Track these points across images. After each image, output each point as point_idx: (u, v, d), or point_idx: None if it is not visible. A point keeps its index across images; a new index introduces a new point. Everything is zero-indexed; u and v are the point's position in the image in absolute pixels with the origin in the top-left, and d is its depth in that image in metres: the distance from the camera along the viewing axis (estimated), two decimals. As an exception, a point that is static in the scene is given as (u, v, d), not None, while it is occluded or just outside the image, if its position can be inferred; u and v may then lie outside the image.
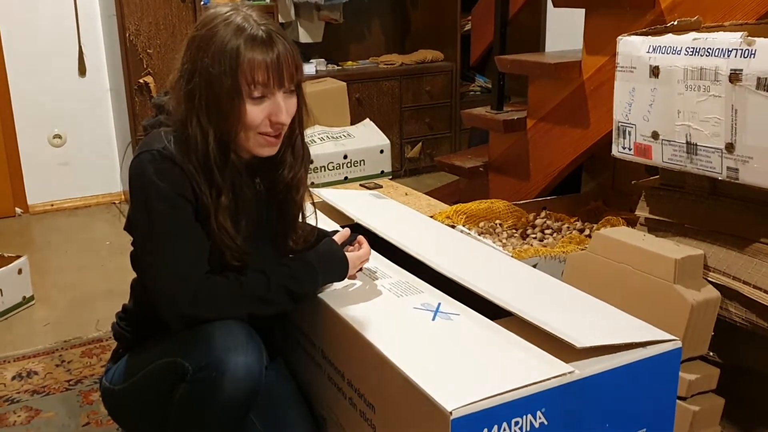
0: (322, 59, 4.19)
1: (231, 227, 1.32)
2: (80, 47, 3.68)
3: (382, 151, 3.67)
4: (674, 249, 1.57)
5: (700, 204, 1.67)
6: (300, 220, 1.49)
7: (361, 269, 1.49)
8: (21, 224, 3.61)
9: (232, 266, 1.33)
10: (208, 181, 1.30)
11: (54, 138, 3.73)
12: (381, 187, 2.85)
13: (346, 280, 1.45)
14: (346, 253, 1.44)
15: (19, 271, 2.52)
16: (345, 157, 3.54)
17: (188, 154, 1.29)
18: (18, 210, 3.69)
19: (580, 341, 1.14)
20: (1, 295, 2.44)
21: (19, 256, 2.56)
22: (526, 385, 1.06)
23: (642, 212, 1.80)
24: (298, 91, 1.36)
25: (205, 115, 1.29)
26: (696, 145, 1.55)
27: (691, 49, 1.52)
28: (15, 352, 2.21)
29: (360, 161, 3.59)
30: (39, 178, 3.72)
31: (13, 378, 2.05)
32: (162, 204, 1.27)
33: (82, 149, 3.76)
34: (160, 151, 1.29)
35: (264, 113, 1.30)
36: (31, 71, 3.60)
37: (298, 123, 1.40)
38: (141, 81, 3.44)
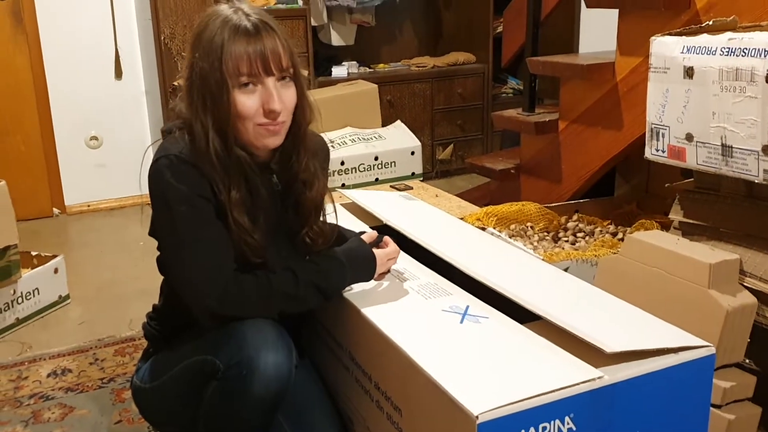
0: (354, 62, 4.20)
1: (248, 222, 1.32)
2: (117, 50, 3.74)
3: (413, 153, 3.67)
4: (709, 253, 1.54)
5: (736, 207, 1.64)
6: (321, 218, 1.48)
7: (389, 270, 1.49)
8: (58, 224, 3.68)
9: (254, 264, 1.34)
10: (221, 178, 1.30)
11: (91, 140, 3.80)
12: (411, 188, 2.85)
13: (374, 281, 1.45)
14: (374, 251, 1.44)
15: (56, 271, 2.57)
16: (376, 158, 3.54)
17: (198, 153, 1.30)
18: (55, 210, 3.76)
19: (610, 346, 1.12)
20: (38, 293, 2.49)
21: (55, 256, 2.61)
22: (554, 390, 1.04)
23: (676, 216, 1.77)
24: (296, 82, 1.36)
25: (203, 110, 1.31)
26: (731, 147, 1.52)
27: (727, 50, 1.49)
28: (50, 350, 2.25)
29: (391, 163, 3.59)
30: (76, 179, 3.79)
31: (48, 375, 2.09)
32: (183, 206, 1.28)
33: (118, 151, 3.82)
34: (177, 155, 1.30)
35: (257, 103, 1.31)
36: (69, 74, 3.67)
37: (302, 114, 1.39)
38: (175, 83, 3.49)
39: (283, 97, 1.33)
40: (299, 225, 1.45)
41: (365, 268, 1.42)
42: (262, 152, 1.38)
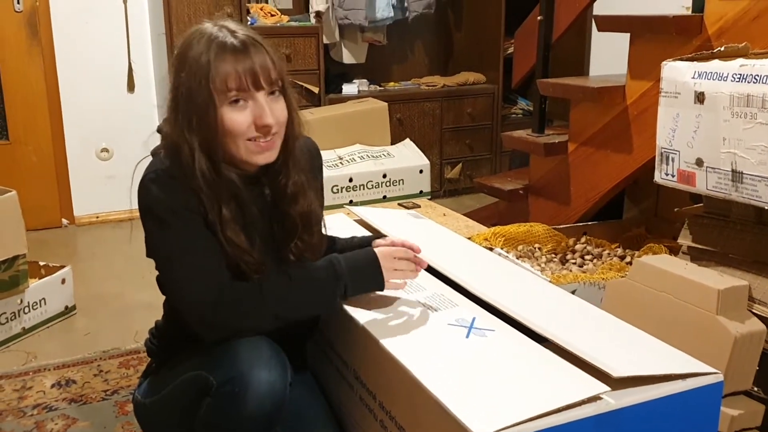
0: (365, 80, 4.22)
1: (244, 241, 1.32)
2: (130, 64, 3.77)
3: (421, 171, 3.68)
4: (718, 279, 1.53)
5: (746, 233, 1.63)
6: (314, 229, 1.46)
7: (410, 279, 1.46)
8: (67, 235, 3.69)
9: (251, 279, 1.33)
10: (208, 196, 1.30)
11: (102, 152, 3.82)
12: (419, 206, 2.85)
13: (388, 291, 1.43)
14: (376, 249, 1.42)
15: (63, 281, 2.58)
16: (384, 176, 3.55)
17: (185, 172, 1.30)
18: (64, 221, 3.78)
19: (617, 370, 1.12)
20: (45, 303, 2.50)
21: (63, 266, 2.61)
22: (560, 408, 1.04)
23: (685, 240, 1.77)
24: (286, 96, 1.35)
25: (188, 128, 1.29)
26: (741, 173, 1.52)
27: (738, 76, 1.49)
28: (55, 360, 2.25)
29: (399, 180, 3.60)
30: (86, 190, 3.80)
31: (53, 386, 2.09)
32: (172, 219, 1.28)
33: (128, 163, 3.80)
34: (162, 171, 1.30)
35: (248, 118, 1.30)
36: (82, 86, 3.70)
37: (291, 128, 1.38)
38: (187, 98, 3.51)
39: (275, 111, 1.32)
40: (286, 238, 1.43)
41: (368, 269, 1.39)
42: (252, 167, 1.38)
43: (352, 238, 1.64)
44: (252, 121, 1.30)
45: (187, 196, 1.29)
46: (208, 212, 1.30)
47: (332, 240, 1.59)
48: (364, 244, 1.52)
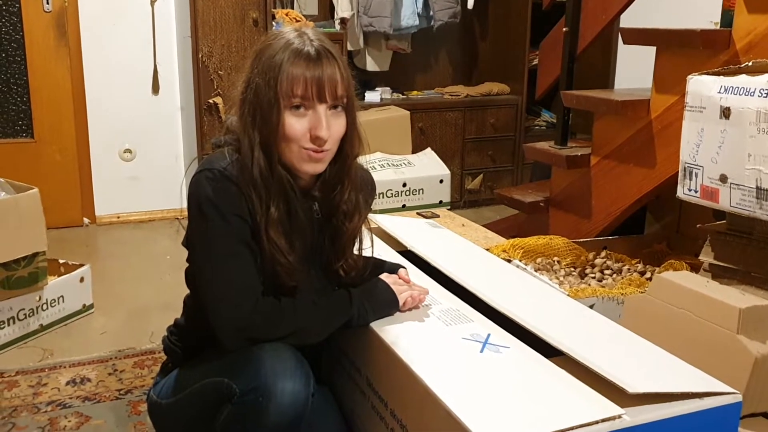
0: (388, 87, 4.23)
1: (284, 243, 1.32)
2: (155, 66, 3.80)
3: (441, 181, 3.67)
4: (739, 297, 1.50)
5: (770, 252, 1.60)
6: (356, 250, 1.48)
7: (418, 307, 1.48)
8: (87, 234, 3.72)
9: (286, 286, 1.34)
10: (259, 196, 1.31)
11: (124, 152, 3.85)
12: (438, 216, 2.84)
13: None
14: (382, 278, 1.45)
15: (81, 280, 2.59)
16: (404, 185, 3.54)
17: (243, 168, 1.31)
18: (86, 220, 3.81)
19: (633, 386, 1.10)
20: (63, 301, 2.51)
21: (82, 265, 2.63)
22: (574, 427, 1.02)
23: (706, 257, 1.74)
24: (348, 113, 1.36)
25: (252, 125, 1.32)
26: (767, 190, 1.49)
27: (766, 91, 1.47)
28: (71, 358, 2.26)
29: (419, 190, 3.59)
30: (108, 190, 3.84)
31: (67, 383, 2.10)
32: (220, 224, 1.29)
33: (150, 164, 3.87)
34: (221, 171, 1.30)
35: (305, 126, 1.31)
36: (107, 87, 3.74)
37: (350, 145, 1.39)
38: (210, 101, 3.53)
39: (332, 125, 1.33)
40: (335, 255, 1.45)
41: (387, 310, 1.43)
42: (304, 177, 1.38)
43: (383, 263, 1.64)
44: (307, 130, 1.31)
45: (239, 202, 1.30)
46: (257, 213, 1.31)
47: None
48: (392, 271, 1.53)
